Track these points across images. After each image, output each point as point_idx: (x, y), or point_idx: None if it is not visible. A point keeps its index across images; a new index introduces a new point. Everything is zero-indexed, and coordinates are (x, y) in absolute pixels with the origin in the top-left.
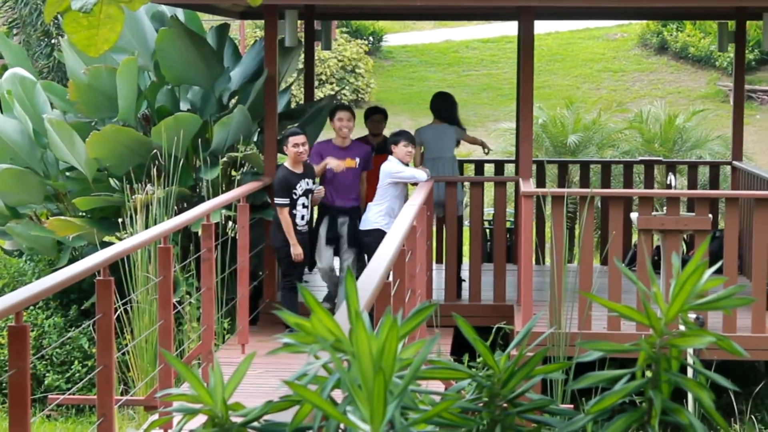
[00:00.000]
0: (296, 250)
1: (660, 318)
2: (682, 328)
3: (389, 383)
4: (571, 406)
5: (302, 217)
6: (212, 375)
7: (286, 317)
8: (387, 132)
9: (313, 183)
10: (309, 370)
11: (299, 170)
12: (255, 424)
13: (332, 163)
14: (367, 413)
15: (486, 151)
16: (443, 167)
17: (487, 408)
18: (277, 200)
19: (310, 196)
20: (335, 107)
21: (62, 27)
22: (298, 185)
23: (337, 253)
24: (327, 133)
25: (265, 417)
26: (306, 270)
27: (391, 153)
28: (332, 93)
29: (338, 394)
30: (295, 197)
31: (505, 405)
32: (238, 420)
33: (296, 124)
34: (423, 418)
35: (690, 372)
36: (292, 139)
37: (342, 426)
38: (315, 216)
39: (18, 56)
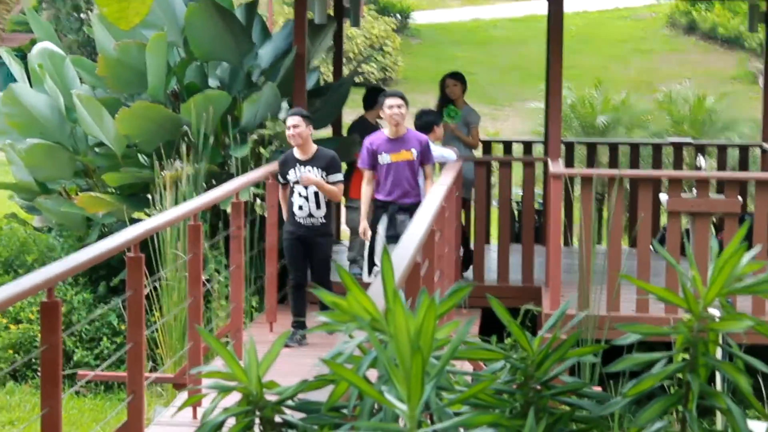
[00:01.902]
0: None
1: (699, 301)
2: (711, 311)
3: (427, 363)
4: (599, 388)
5: (300, 207)
6: (246, 353)
7: (323, 296)
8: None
9: (324, 174)
10: (345, 348)
11: (302, 155)
12: (290, 402)
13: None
14: (404, 393)
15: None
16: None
17: (520, 390)
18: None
19: (311, 186)
20: (386, 93)
21: (92, 1)
22: (291, 170)
23: None
24: (349, 109)
25: (300, 395)
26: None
27: (426, 132)
28: (358, 70)
29: (372, 374)
30: (290, 182)
31: (538, 387)
32: (273, 398)
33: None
34: (459, 399)
35: (719, 354)
36: (287, 121)
37: (377, 405)
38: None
39: (46, 31)
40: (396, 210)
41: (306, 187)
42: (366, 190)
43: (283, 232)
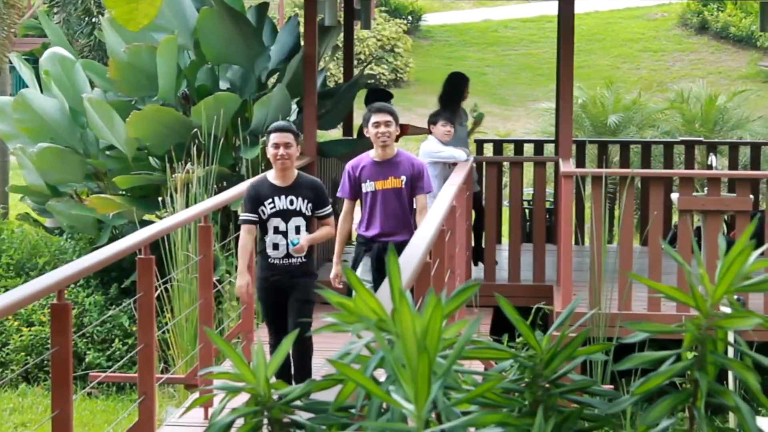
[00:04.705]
0: (240, 280)
1: (706, 299)
2: (723, 309)
3: (433, 363)
4: (611, 387)
5: (274, 246)
6: (255, 354)
7: (329, 296)
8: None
9: (310, 206)
10: (352, 349)
11: (281, 182)
12: (297, 402)
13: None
14: (411, 393)
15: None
16: None
17: (529, 389)
18: (241, 215)
19: (293, 220)
20: (371, 108)
21: (103, 4)
22: (269, 201)
23: None
24: (361, 110)
25: (308, 396)
26: None
27: (429, 132)
28: (370, 72)
29: (380, 374)
30: (263, 215)
31: (547, 386)
32: (281, 399)
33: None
34: (466, 398)
35: (730, 352)
36: (271, 138)
37: (384, 405)
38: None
39: (58, 35)
40: (382, 249)
41: (286, 221)
42: (342, 226)
43: (255, 279)
